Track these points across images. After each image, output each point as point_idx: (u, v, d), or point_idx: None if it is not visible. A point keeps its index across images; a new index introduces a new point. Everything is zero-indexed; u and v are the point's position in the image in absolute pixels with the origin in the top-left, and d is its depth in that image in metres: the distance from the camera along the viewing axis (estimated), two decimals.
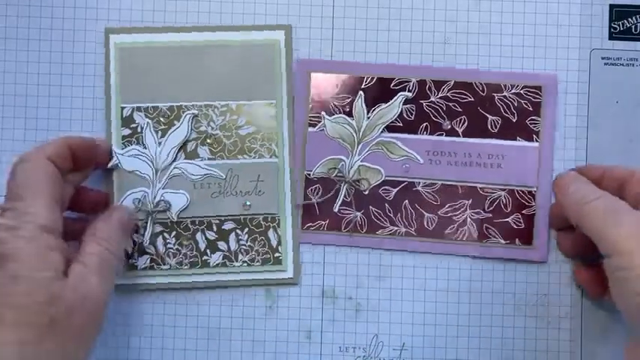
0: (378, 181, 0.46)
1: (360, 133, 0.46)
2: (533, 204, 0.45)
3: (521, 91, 0.46)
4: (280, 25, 0.46)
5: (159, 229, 0.46)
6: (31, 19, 0.47)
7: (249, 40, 0.46)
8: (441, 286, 0.46)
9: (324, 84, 0.46)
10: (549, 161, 0.46)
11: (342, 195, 0.46)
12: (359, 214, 0.46)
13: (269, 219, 0.46)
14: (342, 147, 0.46)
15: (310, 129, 0.46)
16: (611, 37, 0.46)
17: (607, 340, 0.45)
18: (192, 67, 0.46)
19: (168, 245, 0.46)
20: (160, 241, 0.46)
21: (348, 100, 0.46)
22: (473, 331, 0.46)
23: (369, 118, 0.46)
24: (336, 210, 0.46)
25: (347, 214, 0.46)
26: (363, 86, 0.46)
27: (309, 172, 0.46)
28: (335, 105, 0.46)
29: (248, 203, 0.45)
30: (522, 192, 0.46)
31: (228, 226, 0.46)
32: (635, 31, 0.46)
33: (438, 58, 0.46)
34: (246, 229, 0.46)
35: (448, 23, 0.46)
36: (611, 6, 0.46)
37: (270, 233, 0.46)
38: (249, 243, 0.46)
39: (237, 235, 0.46)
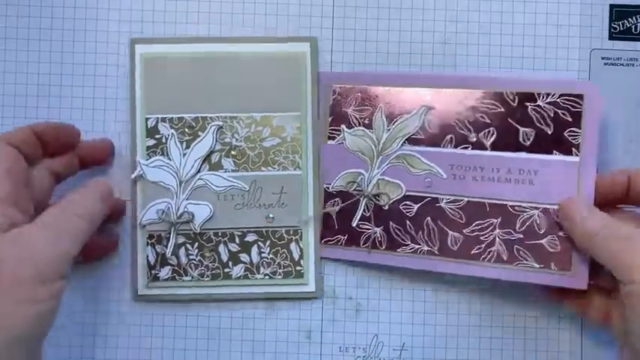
0: (398, 196, 0.44)
1: (380, 146, 0.44)
2: None
3: (559, 100, 0.42)
4: (306, 37, 0.46)
5: (182, 240, 0.45)
6: (31, 19, 0.47)
7: (275, 52, 0.46)
8: (441, 286, 0.46)
9: (344, 96, 0.45)
10: (591, 177, 0.42)
11: (362, 209, 0.45)
12: (378, 229, 0.44)
13: (291, 232, 0.46)
14: (362, 160, 0.45)
15: (330, 142, 0.45)
16: (611, 37, 0.46)
17: (607, 340, 0.45)
18: (217, 79, 0.45)
19: (191, 256, 0.45)
20: (182, 252, 0.45)
21: (368, 113, 0.45)
22: (473, 331, 0.46)
23: (389, 130, 0.44)
24: (354, 225, 0.45)
25: (366, 229, 0.45)
26: (384, 97, 0.45)
27: (327, 185, 0.45)
28: (355, 117, 0.45)
29: (271, 215, 0.45)
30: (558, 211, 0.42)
31: (250, 238, 0.46)
32: (635, 31, 0.46)
33: (438, 58, 0.46)
34: (269, 242, 0.46)
35: (448, 23, 0.46)
36: (611, 6, 0.46)
37: (293, 246, 0.46)
38: (271, 256, 0.46)
39: (259, 247, 0.45)
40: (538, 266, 0.42)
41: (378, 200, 0.44)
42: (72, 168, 0.43)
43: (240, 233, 0.45)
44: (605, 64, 0.46)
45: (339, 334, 0.46)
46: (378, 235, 0.44)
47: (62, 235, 0.36)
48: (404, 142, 0.44)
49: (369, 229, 0.45)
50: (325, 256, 0.45)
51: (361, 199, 0.45)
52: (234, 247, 0.45)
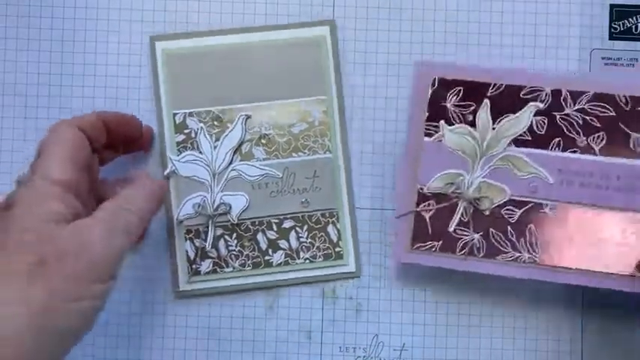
0: (501, 200, 0.42)
1: (484, 146, 0.42)
2: None
3: None
4: (324, 20, 0.46)
5: (219, 232, 0.46)
6: (31, 19, 0.47)
7: (295, 37, 0.46)
8: (441, 287, 0.46)
9: (444, 89, 0.42)
10: None
11: (460, 214, 0.42)
12: (477, 235, 0.42)
13: (327, 214, 0.46)
14: (462, 160, 0.42)
15: (426, 139, 0.43)
16: (611, 37, 0.46)
17: (607, 340, 0.45)
18: (240, 69, 0.46)
19: (230, 247, 0.46)
20: (221, 244, 0.46)
21: (472, 109, 0.42)
22: (473, 332, 0.46)
23: (494, 129, 0.42)
24: (451, 230, 0.42)
25: (463, 235, 0.42)
26: (489, 94, 0.42)
27: (422, 187, 0.43)
28: (456, 113, 0.42)
29: (307, 200, 0.46)
30: None
31: (287, 224, 0.46)
32: (636, 31, 0.46)
33: (438, 58, 0.46)
34: (306, 227, 0.46)
35: (448, 23, 0.46)
36: (611, 6, 0.46)
37: (330, 228, 0.46)
38: (309, 240, 0.46)
39: (297, 232, 0.46)
40: None
41: (479, 204, 0.42)
42: (116, 154, 0.44)
43: (277, 220, 0.46)
44: (605, 64, 0.46)
45: (339, 334, 0.46)
46: (476, 241, 0.42)
47: (117, 232, 0.36)
48: (510, 142, 0.42)
49: (467, 235, 0.42)
50: (417, 262, 0.43)
51: (460, 202, 0.42)
52: (272, 235, 0.46)
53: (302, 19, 0.46)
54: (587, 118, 0.41)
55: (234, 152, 0.46)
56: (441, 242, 0.42)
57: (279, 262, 0.46)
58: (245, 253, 0.46)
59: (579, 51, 0.46)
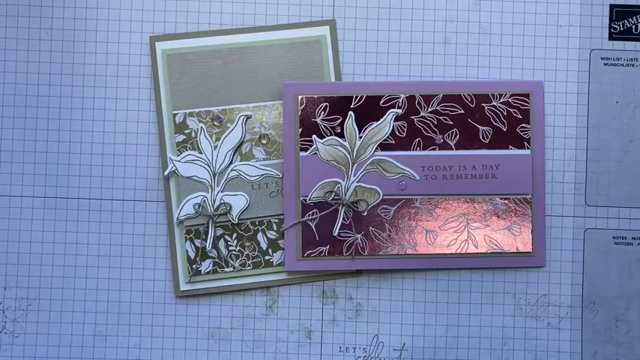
0: (376, 200, 0.45)
1: (354, 154, 0.45)
2: (529, 211, 0.45)
3: (510, 100, 0.46)
4: (324, 20, 0.46)
5: (220, 232, 0.46)
6: (31, 19, 0.47)
7: (295, 37, 0.46)
8: (441, 287, 0.46)
9: (311, 106, 0.46)
10: (542, 167, 0.46)
11: (341, 218, 0.45)
12: (359, 235, 0.45)
13: None
14: (337, 169, 0.45)
15: (302, 153, 0.45)
16: (611, 37, 0.46)
17: (607, 340, 0.45)
18: (240, 69, 0.46)
19: (230, 247, 0.46)
20: (222, 244, 0.46)
21: (339, 121, 0.45)
22: (473, 331, 0.46)
23: (360, 137, 0.45)
24: (335, 234, 0.45)
25: (347, 237, 0.45)
26: (352, 106, 0.45)
27: (304, 198, 0.45)
28: (325, 127, 0.45)
29: None
30: (518, 200, 0.45)
31: None
32: (635, 31, 0.46)
33: (438, 58, 0.46)
34: None
35: (448, 23, 0.46)
36: (612, 6, 0.46)
37: None
38: None
39: None
40: (506, 251, 0.46)
41: (357, 207, 0.45)
42: None
43: (277, 220, 0.46)
44: (605, 64, 0.46)
45: (339, 334, 0.46)
46: (360, 241, 0.45)
47: None
48: (376, 148, 0.45)
49: (350, 237, 0.45)
50: (308, 268, 0.45)
51: (340, 207, 0.45)
52: (272, 235, 0.46)
53: (302, 19, 0.46)
54: (441, 118, 0.46)
55: (234, 152, 0.46)
56: (328, 246, 0.45)
57: (279, 261, 0.46)
58: (245, 253, 0.46)
59: (579, 51, 0.46)
